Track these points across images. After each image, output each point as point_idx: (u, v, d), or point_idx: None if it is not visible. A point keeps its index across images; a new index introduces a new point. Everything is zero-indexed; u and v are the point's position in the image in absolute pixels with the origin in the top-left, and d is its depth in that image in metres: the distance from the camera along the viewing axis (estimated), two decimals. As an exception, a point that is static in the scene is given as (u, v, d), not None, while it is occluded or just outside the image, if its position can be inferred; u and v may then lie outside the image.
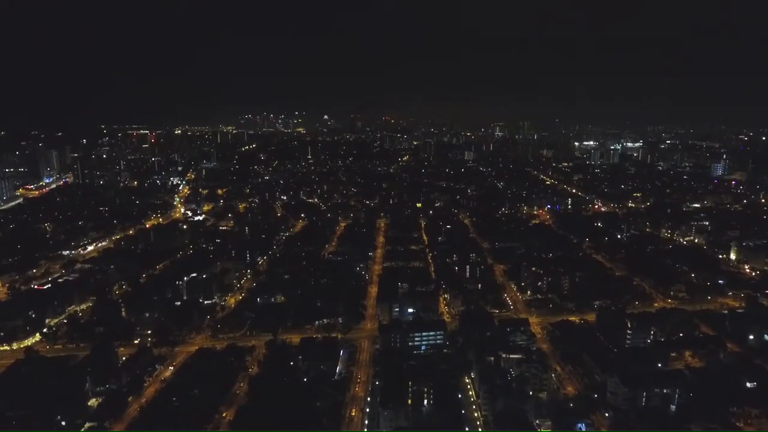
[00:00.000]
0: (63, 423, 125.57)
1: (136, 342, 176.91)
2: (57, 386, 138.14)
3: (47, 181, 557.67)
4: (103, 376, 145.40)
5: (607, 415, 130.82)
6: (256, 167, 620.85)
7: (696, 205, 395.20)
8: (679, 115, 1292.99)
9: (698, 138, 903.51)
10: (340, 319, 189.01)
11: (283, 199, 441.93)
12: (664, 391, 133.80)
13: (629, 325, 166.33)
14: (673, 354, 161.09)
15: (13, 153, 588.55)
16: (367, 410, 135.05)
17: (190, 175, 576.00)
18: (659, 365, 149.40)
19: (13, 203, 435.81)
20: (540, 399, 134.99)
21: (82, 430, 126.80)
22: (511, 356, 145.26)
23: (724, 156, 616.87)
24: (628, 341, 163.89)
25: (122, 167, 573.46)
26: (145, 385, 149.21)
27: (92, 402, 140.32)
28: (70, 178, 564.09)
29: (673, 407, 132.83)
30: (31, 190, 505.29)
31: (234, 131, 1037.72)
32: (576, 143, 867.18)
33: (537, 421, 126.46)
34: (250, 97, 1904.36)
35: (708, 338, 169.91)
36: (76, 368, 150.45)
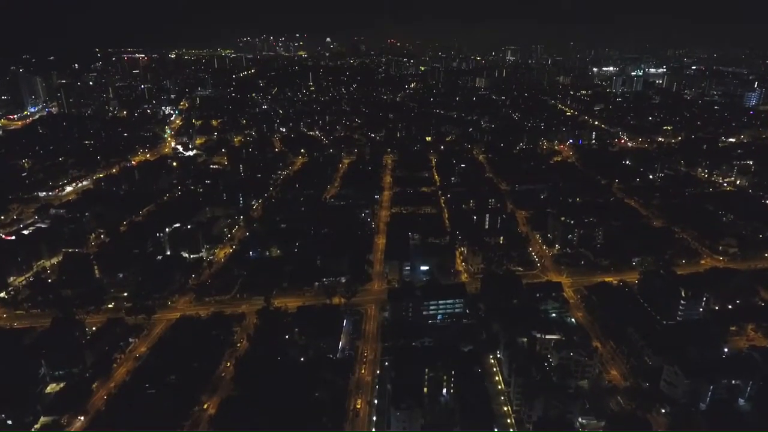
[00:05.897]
0: (9, 422, 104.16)
1: (110, 306, 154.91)
2: (8, 369, 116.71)
3: (32, 110, 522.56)
4: (64, 357, 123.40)
5: (663, 411, 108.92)
6: (254, 95, 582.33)
7: (732, 140, 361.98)
8: (701, 34, 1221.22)
9: (723, 63, 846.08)
10: (343, 279, 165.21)
11: (282, 132, 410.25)
12: (733, 382, 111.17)
13: (682, 294, 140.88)
14: (733, 328, 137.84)
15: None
16: (376, 402, 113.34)
17: (184, 104, 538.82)
18: (720, 345, 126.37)
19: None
20: (582, 389, 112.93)
21: (33, 429, 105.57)
22: (548, 337, 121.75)
23: (756, 84, 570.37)
24: (680, 313, 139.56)
25: (111, 95, 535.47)
26: (115, 365, 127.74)
27: (51, 388, 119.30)
28: (55, 108, 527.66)
29: (741, 401, 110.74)
30: (13, 120, 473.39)
31: (232, 55, 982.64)
32: (594, 69, 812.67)
33: (581, 420, 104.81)
34: (250, 18, 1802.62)
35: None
36: (34, 345, 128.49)
